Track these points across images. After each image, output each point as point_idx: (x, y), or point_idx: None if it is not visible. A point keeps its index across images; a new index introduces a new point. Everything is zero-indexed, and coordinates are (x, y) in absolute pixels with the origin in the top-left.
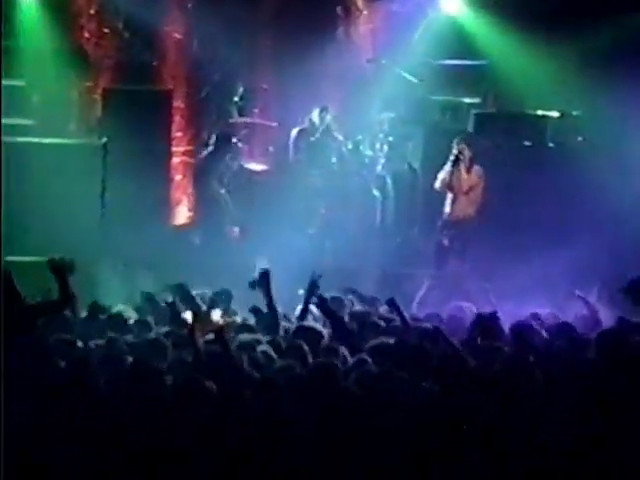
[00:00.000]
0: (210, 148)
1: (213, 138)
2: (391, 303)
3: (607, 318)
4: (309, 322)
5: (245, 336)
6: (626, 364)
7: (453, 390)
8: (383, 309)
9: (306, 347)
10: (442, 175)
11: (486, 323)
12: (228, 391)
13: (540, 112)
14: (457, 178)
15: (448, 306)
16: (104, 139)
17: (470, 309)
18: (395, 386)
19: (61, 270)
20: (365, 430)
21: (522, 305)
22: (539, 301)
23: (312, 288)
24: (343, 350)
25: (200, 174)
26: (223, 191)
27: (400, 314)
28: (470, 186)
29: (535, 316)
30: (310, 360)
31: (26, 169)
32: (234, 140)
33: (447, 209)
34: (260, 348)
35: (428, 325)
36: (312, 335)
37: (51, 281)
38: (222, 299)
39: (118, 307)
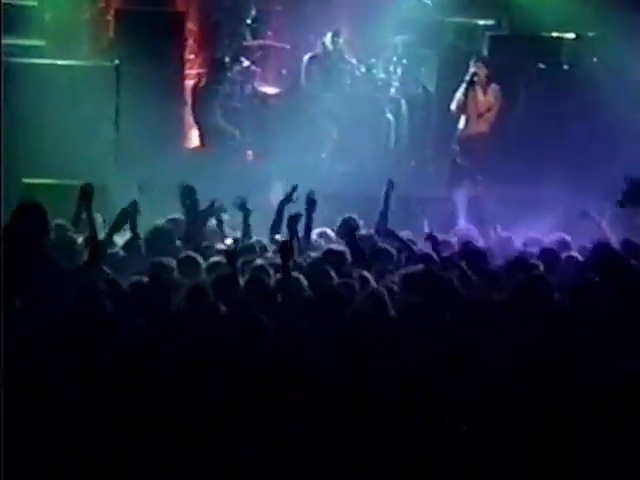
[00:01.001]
0: (204, 74)
1: (227, 60)
2: (429, 237)
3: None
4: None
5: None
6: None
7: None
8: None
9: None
10: (458, 96)
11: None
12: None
13: (555, 34)
14: (473, 99)
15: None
16: (116, 61)
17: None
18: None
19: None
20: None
21: (533, 228)
22: (553, 223)
23: (310, 206)
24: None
25: (202, 99)
26: (227, 117)
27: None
28: (487, 107)
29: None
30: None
31: (39, 90)
32: (226, 63)
33: (462, 128)
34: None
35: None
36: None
37: (67, 203)
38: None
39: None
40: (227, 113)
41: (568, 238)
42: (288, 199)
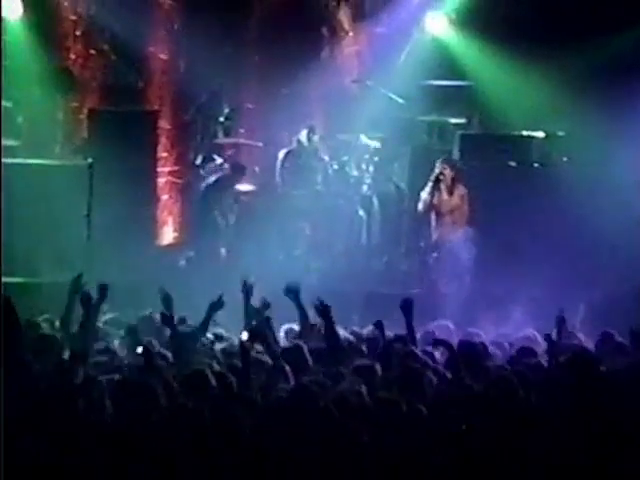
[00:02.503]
0: (221, 173)
1: (200, 159)
2: (378, 325)
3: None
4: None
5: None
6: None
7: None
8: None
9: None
10: (424, 196)
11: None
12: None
13: (525, 133)
14: (438, 199)
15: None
16: (90, 160)
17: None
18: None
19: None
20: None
21: (505, 326)
22: (524, 321)
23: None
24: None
25: (204, 197)
26: (220, 214)
27: (383, 335)
28: (452, 207)
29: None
30: None
31: (12, 190)
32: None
33: (432, 230)
34: None
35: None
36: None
37: (37, 303)
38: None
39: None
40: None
41: (537, 335)
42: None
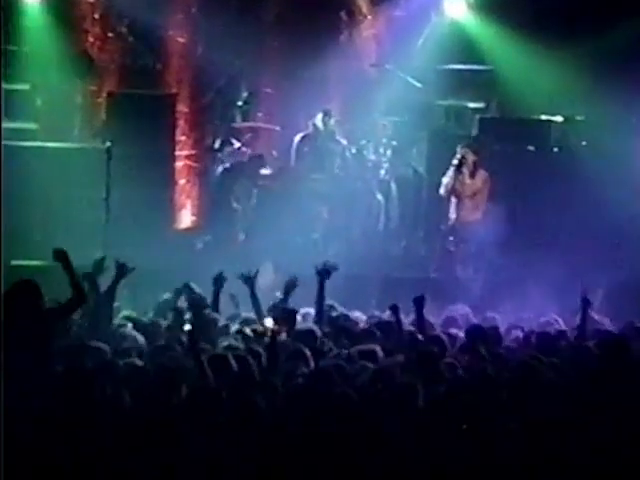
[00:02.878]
0: (234, 159)
1: (218, 143)
2: (394, 309)
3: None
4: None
5: None
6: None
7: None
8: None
9: None
10: (446, 180)
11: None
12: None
13: (544, 117)
14: (460, 183)
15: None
16: (108, 143)
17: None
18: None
19: (63, 259)
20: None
21: (525, 310)
22: (544, 306)
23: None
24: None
25: (220, 182)
26: (235, 199)
27: (399, 321)
28: (474, 191)
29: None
30: None
31: (30, 173)
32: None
33: (452, 214)
34: None
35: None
36: None
37: (56, 286)
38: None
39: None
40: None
41: (559, 319)
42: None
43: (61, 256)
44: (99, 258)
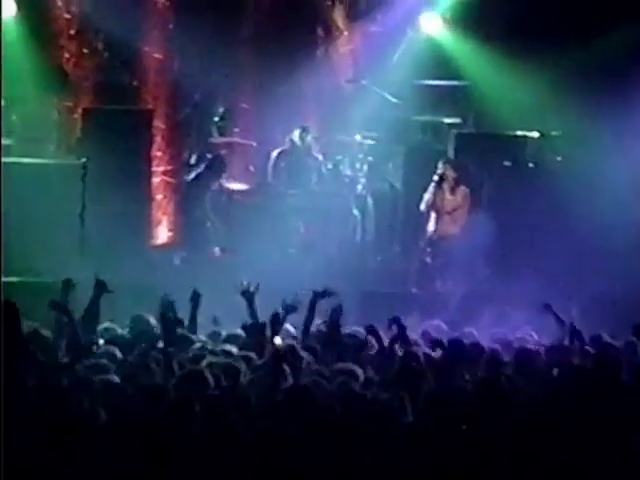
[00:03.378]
0: (199, 169)
1: (194, 158)
2: (370, 330)
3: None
4: None
5: None
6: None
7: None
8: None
9: None
10: (427, 196)
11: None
12: None
13: (520, 132)
14: (441, 199)
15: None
16: (83, 159)
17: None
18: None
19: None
20: None
21: (500, 325)
22: (519, 318)
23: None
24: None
25: (189, 195)
26: (204, 211)
27: (379, 339)
28: (454, 206)
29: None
30: None
31: (6, 189)
32: (223, 160)
33: (431, 228)
34: None
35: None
36: None
37: (31, 303)
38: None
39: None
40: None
41: (534, 335)
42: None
43: (58, 307)
44: (65, 280)
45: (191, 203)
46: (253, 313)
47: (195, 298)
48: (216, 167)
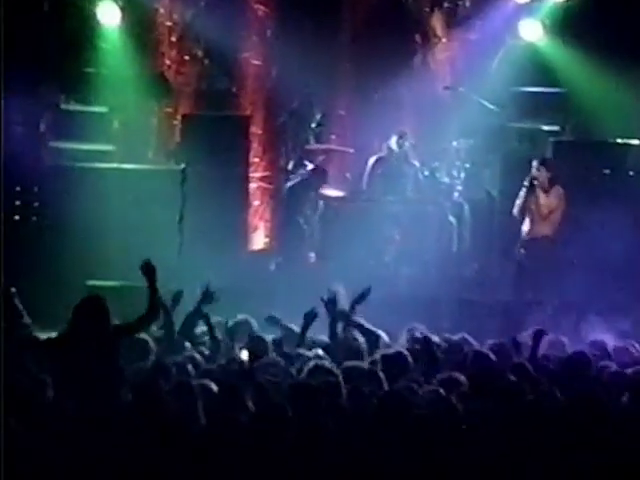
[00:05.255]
0: (299, 177)
1: (291, 164)
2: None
3: None
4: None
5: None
6: None
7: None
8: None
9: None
10: (519, 200)
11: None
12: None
13: (620, 140)
14: (535, 202)
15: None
16: (182, 165)
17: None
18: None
19: (151, 273)
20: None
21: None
22: (615, 326)
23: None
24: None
25: (286, 201)
26: (303, 218)
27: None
28: (550, 209)
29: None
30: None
31: (107, 194)
32: (325, 171)
33: (525, 232)
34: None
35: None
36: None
37: (131, 307)
38: (242, 329)
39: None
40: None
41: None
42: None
43: (148, 269)
44: (177, 291)
45: (288, 209)
46: (333, 326)
47: (311, 317)
48: (317, 177)
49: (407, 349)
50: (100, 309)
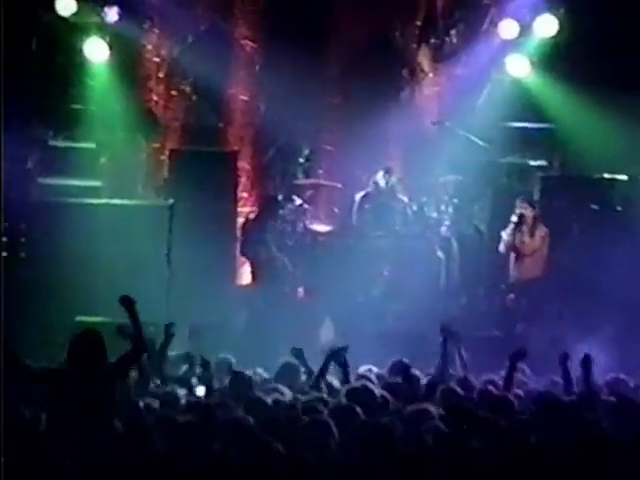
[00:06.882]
0: (256, 210)
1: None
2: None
3: None
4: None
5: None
6: None
7: None
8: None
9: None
10: (505, 237)
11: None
12: None
13: (607, 175)
14: (520, 240)
15: None
16: (171, 200)
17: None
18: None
19: (131, 306)
20: None
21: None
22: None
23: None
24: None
25: (253, 236)
26: (279, 252)
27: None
28: (534, 248)
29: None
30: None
31: (95, 230)
32: (279, 200)
33: (512, 271)
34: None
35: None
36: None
37: (120, 343)
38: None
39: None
40: (279, 250)
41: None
42: (334, 355)
43: (127, 303)
44: (168, 325)
45: (256, 242)
46: (346, 375)
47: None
48: (273, 208)
49: (387, 382)
50: (96, 343)
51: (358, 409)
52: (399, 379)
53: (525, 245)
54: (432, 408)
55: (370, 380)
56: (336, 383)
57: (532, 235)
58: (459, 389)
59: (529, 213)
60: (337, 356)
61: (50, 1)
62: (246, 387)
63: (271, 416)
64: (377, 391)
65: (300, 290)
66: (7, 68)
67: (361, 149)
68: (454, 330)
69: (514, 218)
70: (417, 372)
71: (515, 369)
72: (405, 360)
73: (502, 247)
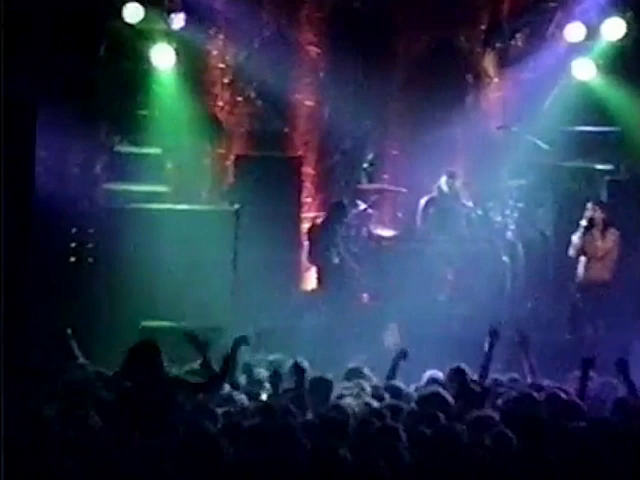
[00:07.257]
0: (323, 216)
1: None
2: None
3: None
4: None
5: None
6: None
7: None
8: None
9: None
10: (575, 241)
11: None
12: None
13: None
14: (590, 243)
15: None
16: (236, 205)
17: None
18: None
19: (200, 345)
20: None
21: None
22: None
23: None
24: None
25: (319, 241)
26: (346, 257)
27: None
28: (605, 251)
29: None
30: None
31: (161, 235)
32: (346, 205)
33: (581, 273)
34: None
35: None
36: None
37: (183, 347)
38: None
39: None
40: (345, 255)
41: None
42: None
43: (191, 339)
44: (240, 337)
45: (323, 247)
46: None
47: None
48: (337, 210)
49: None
50: (153, 354)
51: (434, 415)
52: (455, 384)
53: (596, 248)
54: (495, 414)
55: (441, 385)
56: (403, 387)
57: (603, 238)
58: (528, 394)
59: (599, 216)
60: (404, 358)
61: (118, 8)
62: (328, 391)
63: (341, 420)
64: (449, 398)
65: (364, 295)
66: (76, 74)
67: (426, 154)
68: (524, 334)
69: (584, 222)
70: (476, 377)
71: (588, 377)
72: (462, 365)
73: (572, 251)
